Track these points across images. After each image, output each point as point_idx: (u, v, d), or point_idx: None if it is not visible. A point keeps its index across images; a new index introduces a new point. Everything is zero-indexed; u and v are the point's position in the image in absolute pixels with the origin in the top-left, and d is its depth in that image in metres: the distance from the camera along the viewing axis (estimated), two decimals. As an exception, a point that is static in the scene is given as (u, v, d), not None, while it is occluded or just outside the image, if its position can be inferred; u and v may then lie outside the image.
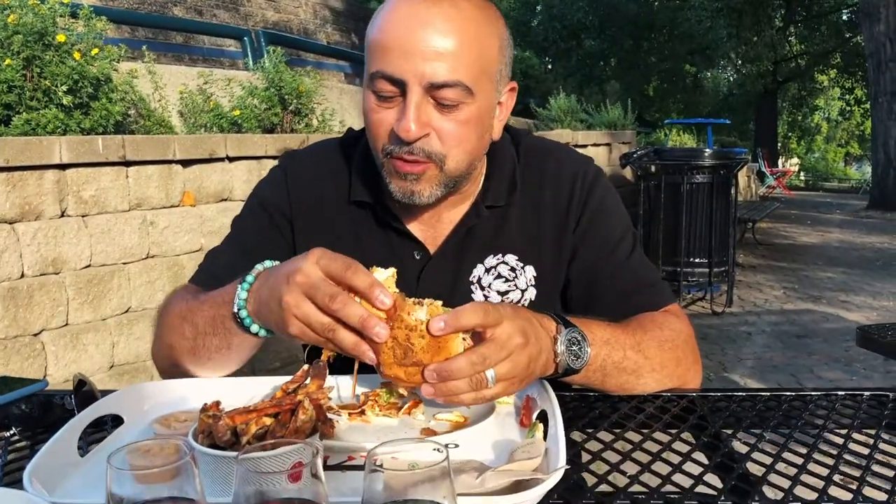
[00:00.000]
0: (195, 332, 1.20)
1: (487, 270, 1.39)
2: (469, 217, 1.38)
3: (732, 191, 7.11)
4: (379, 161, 1.27)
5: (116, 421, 1.08)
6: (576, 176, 1.43)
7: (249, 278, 1.11)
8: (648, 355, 1.23)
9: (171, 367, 1.28)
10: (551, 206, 1.41)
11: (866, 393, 1.27)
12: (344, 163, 1.44)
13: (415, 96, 1.17)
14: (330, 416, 1.01)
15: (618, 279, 1.39)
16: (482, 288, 1.39)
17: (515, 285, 1.39)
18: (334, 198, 1.42)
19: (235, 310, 1.11)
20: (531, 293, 1.40)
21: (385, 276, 1.00)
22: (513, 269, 1.39)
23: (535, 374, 1.06)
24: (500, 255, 1.39)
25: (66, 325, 3.35)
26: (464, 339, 0.97)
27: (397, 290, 0.99)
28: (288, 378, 1.04)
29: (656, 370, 1.25)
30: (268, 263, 1.13)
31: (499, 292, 1.39)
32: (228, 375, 1.25)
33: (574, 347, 1.11)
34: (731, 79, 31.22)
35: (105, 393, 1.12)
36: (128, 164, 3.60)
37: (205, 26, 11.32)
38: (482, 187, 1.40)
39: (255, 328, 1.11)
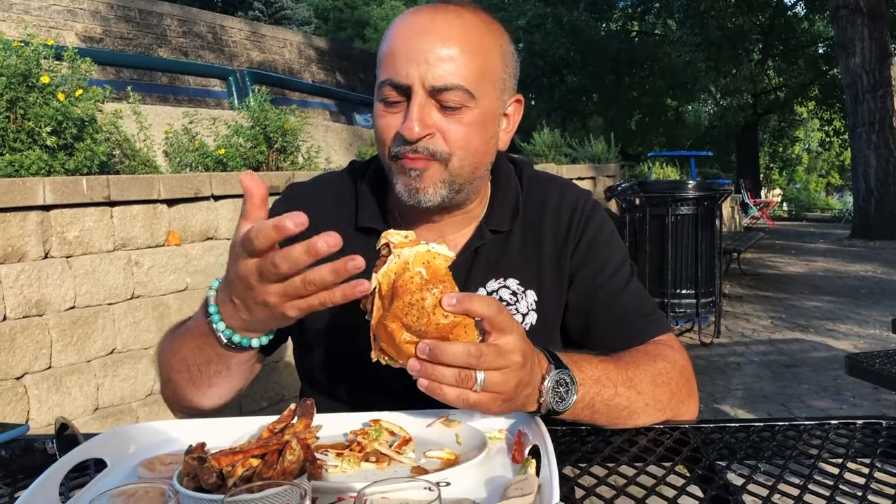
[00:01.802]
0: (186, 364, 1.20)
1: (489, 294, 1.39)
2: (474, 240, 1.40)
3: (717, 222, 7.14)
4: (387, 166, 1.31)
5: (100, 465, 1.05)
6: (576, 204, 1.46)
7: (212, 308, 1.10)
8: (641, 391, 1.22)
9: (177, 404, 1.29)
10: (552, 233, 1.44)
11: (859, 421, 1.26)
12: (350, 190, 1.47)
13: (418, 98, 1.22)
14: (318, 455, 1.00)
15: (615, 305, 1.40)
16: None
17: (517, 309, 1.39)
18: (340, 224, 1.41)
19: (224, 340, 1.11)
20: (532, 318, 1.40)
21: (445, 253, 0.99)
22: (514, 294, 1.40)
23: (517, 403, 1.04)
24: (501, 279, 1.40)
25: (50, 367, 3.30)
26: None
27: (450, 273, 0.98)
28: (275, 417, 1.02)
29: (649, 405, 1.24)
30: (214, 283, 1.12)
31: None
32: (215, 414, 1.23)
33: (560, 389, 1.10)
34: (712, 112, 31.64)
35: (88, 436, 1.10)
36: (112, 204, 3.59)
37: (190, 66, 11.41)
38: (486, 212, 1.42)
39: (245, 342, 1.11)
